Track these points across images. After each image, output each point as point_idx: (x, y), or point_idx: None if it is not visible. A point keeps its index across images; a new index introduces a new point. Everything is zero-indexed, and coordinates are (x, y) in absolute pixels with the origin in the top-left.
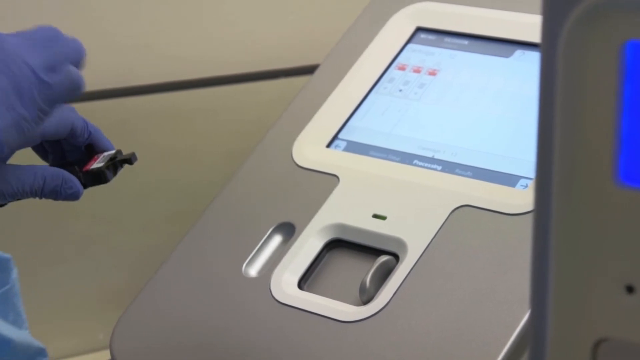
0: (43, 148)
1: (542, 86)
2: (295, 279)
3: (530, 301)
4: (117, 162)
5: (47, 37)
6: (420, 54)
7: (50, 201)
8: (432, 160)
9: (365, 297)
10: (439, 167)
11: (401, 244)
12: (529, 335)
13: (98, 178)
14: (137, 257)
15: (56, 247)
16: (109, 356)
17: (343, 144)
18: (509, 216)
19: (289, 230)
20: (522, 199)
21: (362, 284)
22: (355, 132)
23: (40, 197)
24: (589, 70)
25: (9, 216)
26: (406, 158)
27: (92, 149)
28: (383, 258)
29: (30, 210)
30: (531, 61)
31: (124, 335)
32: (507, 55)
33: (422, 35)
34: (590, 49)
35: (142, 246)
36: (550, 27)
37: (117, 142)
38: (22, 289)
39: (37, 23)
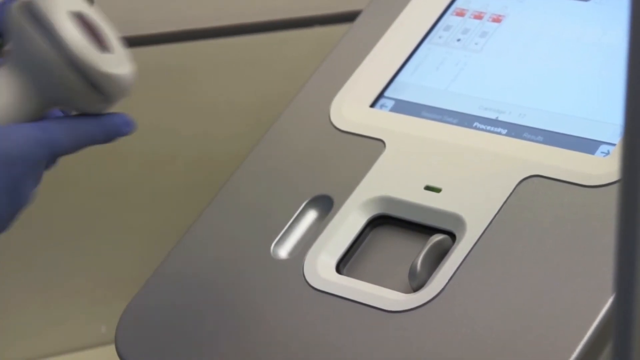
0: None
1: (632, 33)
2: (333, 262)
3: (614, 286)
4: None
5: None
6: None
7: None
8: (496, 123)
9: (416, 283)
10: (504, 131)
11: (458, 220)
12: (612, 325)
13: None
14: (147, 236)
15: (50, 225)
16: (113, 351)
17: (390, 104)
18: (587, 188)
19: (326, 205)
20: (603, 167)
21: (412, 268)
22: (404, 90)
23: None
24: None
25: None
26: (465, 120)
27: None
28: (437, 237)
29: None
30: (614, 5)
31: (131, 327)
32: None
33: None
34: None
35: (152, 223)
36: None
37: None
38: (11, 276)
39: None
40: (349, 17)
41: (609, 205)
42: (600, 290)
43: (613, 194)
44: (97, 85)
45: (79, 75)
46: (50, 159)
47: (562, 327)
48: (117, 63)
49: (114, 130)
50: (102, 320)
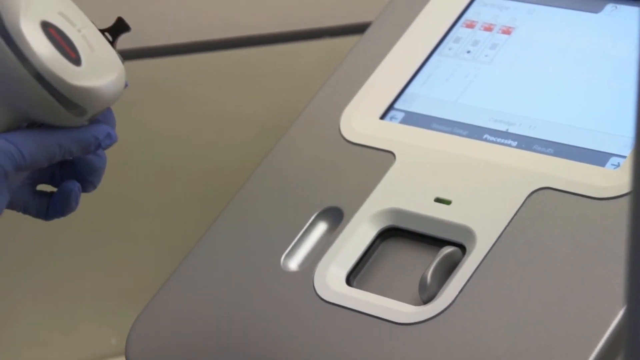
0: None
1: None
2: (344, 274)
3: (625, 297)
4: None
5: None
6: (493, 8)
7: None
8: (506, 135)
9: (426, 295)
10: (514, 143)
11: (469, 233)
12: (623, 337)
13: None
14: (157, 246)
15: (60, 233)
16: None
17: (400, 115)
18: (597, 200)
19: (336, 217)
20: (613, 180)
21: (423, 280)
22: (414, 101)
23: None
24: None
25: None
26: (475, 132)
27: None
28: (447, 249)
29: None
30: (625, 17)
31: (142, 339)
32: (597, 10)
33: None
34: None
35: (162, 234)
36: None
37: (127, 112)
38: (20, 285)
39: None
40: (358, 29)
41: (620, 218)
42: (611, 302)
43: (624, 206)
44: (68, 99)
45: (48, 90)
46: (15, 170)
47: (573, 339)
48: (92, 74)
49: (92, 143)
50: (111, 331)
